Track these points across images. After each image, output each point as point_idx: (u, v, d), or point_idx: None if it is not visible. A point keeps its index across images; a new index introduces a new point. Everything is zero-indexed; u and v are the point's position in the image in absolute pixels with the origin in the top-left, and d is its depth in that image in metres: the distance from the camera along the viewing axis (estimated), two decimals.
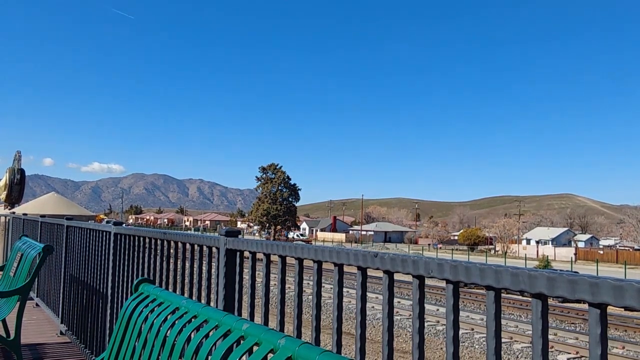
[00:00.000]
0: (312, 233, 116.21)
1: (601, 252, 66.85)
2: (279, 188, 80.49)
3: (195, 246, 3.04)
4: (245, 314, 2.42)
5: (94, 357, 4.85)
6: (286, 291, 2.22)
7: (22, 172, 17.54)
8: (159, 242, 3.58)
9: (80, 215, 13.73)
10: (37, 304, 7.73)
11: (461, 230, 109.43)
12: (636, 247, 78.14)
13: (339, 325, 1.85)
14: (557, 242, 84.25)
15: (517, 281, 1.21)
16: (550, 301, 22.97)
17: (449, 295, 1.42)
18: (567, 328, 20.39)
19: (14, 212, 12.56)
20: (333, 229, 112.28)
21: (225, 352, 1.62)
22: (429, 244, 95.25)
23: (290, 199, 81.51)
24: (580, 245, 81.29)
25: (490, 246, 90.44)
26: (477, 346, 18.35)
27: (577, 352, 16.67)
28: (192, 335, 1.87)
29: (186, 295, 3.10)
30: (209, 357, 1.69)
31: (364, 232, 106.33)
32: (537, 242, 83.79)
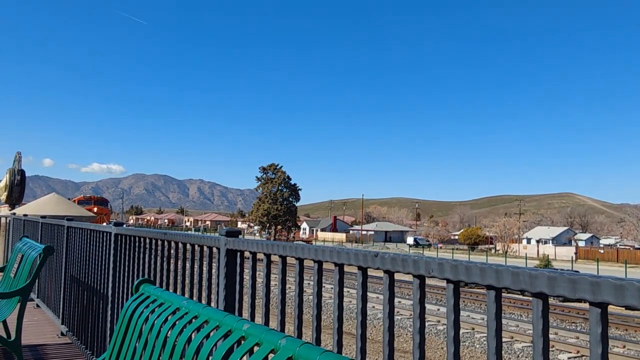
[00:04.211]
0: (313, 233, 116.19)
1: (602, 251, 66.80)
2: (279, 188, 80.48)
3: (196, 246, 3.03)
4: (245, 314, 2.42)
5: (94, 358, 4.85)
6: (287, 291, 2.22)
7: (22, 173, 17.55)
8: (159, 242, 3.57)
9: (80, 216, 13.73)
10: (37, 305, 7.72)
11: (462, 230, 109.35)
12: (637, 246, 78.10)
13: (340, 325, 1.85)
14: (557, 241, 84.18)
15: (518, 280, 1.21)
16: (551, 300, 23.01)
17: (449, 295, 1.42)
18: (567, 327, 20.38)
19: (14, 213, 12.56)
20: (333, 228, 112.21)
21: (226, 353, 1.62)
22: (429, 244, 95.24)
23: (290, 199, 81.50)
24: (581, 244, 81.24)
25: (491, 245, 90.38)
26: (477, 346, 18.35)
27: (578, 351, 16.66)
28: (193, 336, 1.87)
29: (187, 295, 3.10)
30: (210, 358, 1.69)
31: (364, 232, 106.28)
32: (538, 242, 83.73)
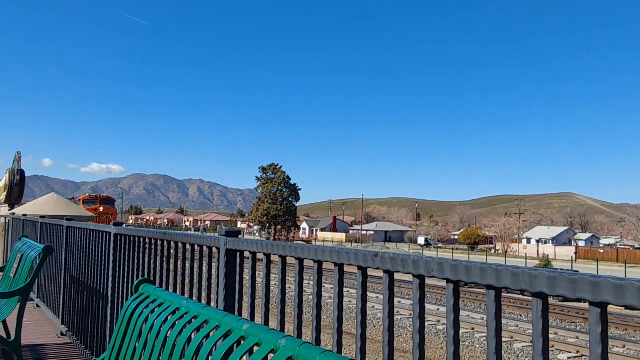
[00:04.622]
0: (313, 233, 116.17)
1: (602, 251, 66.80)
2: (279, 188, 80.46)
3: (196, 246, 3.03)
4: (245, 314, 2.42)
5: (94, 358, 4.85)
6: (287, 291, 2.22)
7: (21, 173, 17.54)
8: (159, 242, 3.57)
9: (80, 216, 13.72)
10: (37, 305, 7.72)
11: (461, 230, 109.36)
12: (637, 245, 78.09)
13: (340, 325, 1.85)
14: (557, 241, 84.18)
15: (518, 280, 1.21)
16: (551, 300, 23.02)
17: (449, 295, 1.42)
18: (567, 327, 20.39)
19: (14, 213, 12.56)
20: (333, 228, 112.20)
21: (225, 353, 1.62)
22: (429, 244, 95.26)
23: (290, 199, 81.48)
24: (581, 244, 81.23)
25: (491, 245, 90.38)
26: (477, 345, 18.35)
27: (578, 351, 16.66)
28: (193, 336, 1.87)
29: (187, 295, 3.10)
30: (210, 358, 1.69)
31: (364, 232, 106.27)
32: (538, 241, 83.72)
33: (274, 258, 2.29)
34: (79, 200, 47.91)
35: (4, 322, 4.90)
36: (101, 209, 44.69)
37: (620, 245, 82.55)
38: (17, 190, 17.23)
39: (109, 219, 43.61)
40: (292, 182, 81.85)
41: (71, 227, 6.10)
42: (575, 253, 67.40)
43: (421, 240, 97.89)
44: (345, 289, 1.98)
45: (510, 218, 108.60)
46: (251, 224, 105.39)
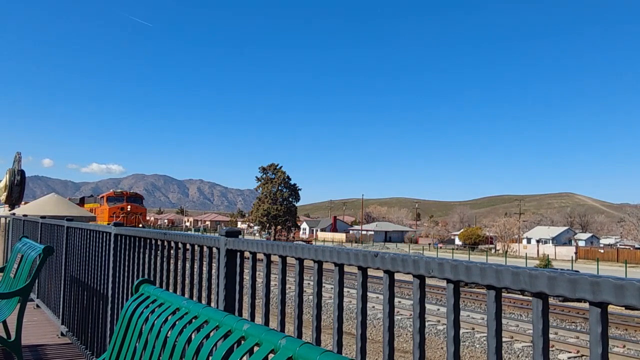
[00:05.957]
0: (313, 233, 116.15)
1: (602, 251, 66.78)
2: (279, 188, 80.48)
3: (196, 246, 3.03)
4: (245, 314, 2.42)
5: (94, 358, 4.85)
6: (287, 291, 2.22)
7: (22, 173, 17.54)
8: (159, 242, 3.57)
9: (80, 216, 13.72)
10: (37, 305, 7.72)
11: (461, 230, 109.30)
12: (637, 245, 78.05)
13: (340, 325, 1.85)
14: (557, 241, 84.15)
15: (518, 280, 1.21)
16: (551, 300, 22.96)
17: (449, 295, 1.42)
18: (567, 327, 20.37)
19: (14, 214, 12.56)
20: (333, 228, 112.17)
21: (226, 353, 1.62)
22: (429, 244, 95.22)
23: (290, 199, 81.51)
24: (581, 244, 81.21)
25: (491, 245, 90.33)
26: (477, 345, 18.35)
27: (578, 351, 16.65)
28: (193, 336, 1.87)
29: (187, 295, 3.10)
30: (210, 358, 1.69)
31: (364, 232, 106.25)
32: (538, 241, 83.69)
33: (274, 258, 2.28)
34: (102, 197, 42.50)
35: (4, 323, 4.90)
36: (129, 207, 39.23)
37: (620, 245, 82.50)
38: (18, 190, 17.23)
39: (138, 219, 38.45)
40: (292, 182, 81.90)
41: (71, 228, 6.10)
42: (576, 253, 67.38)
43: (458, 241, 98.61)
44: (345, 289, 1.97)
45: (510, 218, 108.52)
46: (251, 224, 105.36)
